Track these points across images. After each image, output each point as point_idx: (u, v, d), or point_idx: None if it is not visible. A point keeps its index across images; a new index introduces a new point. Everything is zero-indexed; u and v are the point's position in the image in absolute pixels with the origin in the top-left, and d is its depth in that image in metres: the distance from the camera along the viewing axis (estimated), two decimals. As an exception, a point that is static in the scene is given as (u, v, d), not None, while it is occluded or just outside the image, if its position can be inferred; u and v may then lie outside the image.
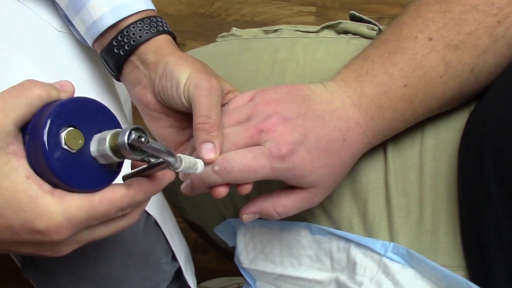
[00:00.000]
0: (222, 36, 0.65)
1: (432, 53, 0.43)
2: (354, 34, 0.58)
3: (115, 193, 0.34)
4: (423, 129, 0.49)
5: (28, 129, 0.32)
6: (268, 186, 0.50)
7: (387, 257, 0.45)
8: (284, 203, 0.44)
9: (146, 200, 0.37)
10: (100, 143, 0.33)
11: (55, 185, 0.32)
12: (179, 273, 0.61)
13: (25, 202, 0.31)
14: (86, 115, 0.34)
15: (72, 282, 0.55)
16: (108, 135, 0.33)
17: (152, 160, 0.34)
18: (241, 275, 1.14)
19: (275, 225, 0.53)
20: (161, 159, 0.34)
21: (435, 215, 0.46)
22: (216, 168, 0.41)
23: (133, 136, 0.31)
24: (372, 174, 0.49)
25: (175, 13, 1.43)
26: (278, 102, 0.43)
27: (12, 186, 0.31)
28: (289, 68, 0.57)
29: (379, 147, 0.49)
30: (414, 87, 0.43)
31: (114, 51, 0.47)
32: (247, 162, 0.41)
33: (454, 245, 0.44)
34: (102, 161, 0.34)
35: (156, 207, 0.56)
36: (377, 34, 0.57)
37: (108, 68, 0.50)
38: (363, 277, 0.46)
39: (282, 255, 0.53)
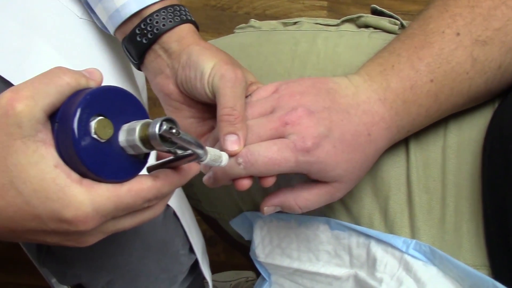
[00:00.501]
0: (241, 28, 0.65)
1: (459, 48, 0.42)
2: (375, 28, 0.57)
3: (142, 184, 0.33)
4: (446, 125, 0.48)
5: (57, 117, 0.32)
6: (287, 181, 0.49)
7: (409, 254, 0.44)
8: (306, 197, 0.43)
9: (171, 192, 0.37)
10: (130, 133, 0.32)
11: (83, 175, 0.32)
12: (194, 266, 0.61)
13: (53, 191, 0.31)
14: (116, 104, 0.33)
15: (90, 272, 0.55)
16: (138, 125, 0.32)
17: (179, 151, 0.34)
18: (249, 269, 1.14)
19: (293, 219, 0.53)
20: (189, 151, 0.33)
21: (458, 213, 0.45)
22: (240, 160, 0.40)
23: (164, 127, 0.31)
24: (393, 170, 0.49)
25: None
26: (303, 94, 0.42)
27: (40, 174, 0.31)
28: (310, 61, 0.56)
29: (401, 143, 0.48)
30: (440, 82, 0.43)
31: (137, 39, 0.47)
32: (271, 155, 0.40)
33: (477, 244, 0.44)
34: (130, 151, 0.33)
35: (175, 198, 0.56)
36: (399, 29, 0.56)
37: (130, 56, 0.49)
38: (383, 274, 0.45)
39: (300, 250, 0.53)
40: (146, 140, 0.32)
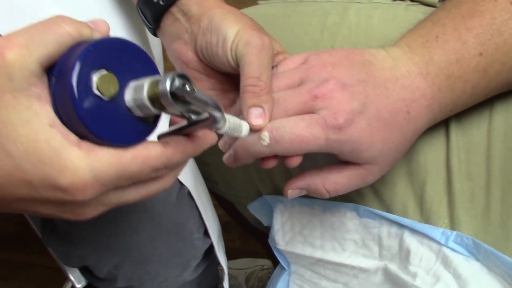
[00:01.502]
0: (265, -2, 0.61)
1: None
2: (412, 0, 0.53)
3: (150, 151, 0.29)
4: (492, 106, 0.43)
5: (55, 70, 0.28)
6: (313, 162, 0.45)
7: (448, 247, 0.40)
8: (335, 180, 0.39)
9: (183, 163, 0.33)
10: (137, 91, 0.28)
11: (82, 137, 0.28)
12: (208, 251, 0.57)
13: (47, 154, 0.27)
14: (122, 58, 0.29)
15: (96, 253, 0.51)
16: (146, 82, 0.28)
17: (194, 117, 0.30)
18: (265, 257, 1.11)
19: (317, 205, 0.48)
20: (204, 115, 0.29)
21: (505, 203, 0.40)
22: (265, 136, 0.36)
23: (176, 83, 0.27)
24: (432, 154, 0.44)
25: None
26: (335, 66, 0.38)
27: (33, 134, 0.27)
28: (340, 34, 0.51)
29: (441, 124, 0.44)
30: (490, 56, 0.38)
31: (153, 1, 0.43)
32: (299, 132, 0.36)
33: (527, 238, 0.39)
34: (137, 112, 0.29)
35: (190, 177, 0.52)
36: (440, 1, 0.51)
37: (145, 20, 0.45)
38: (418, 268, 0.41)
39: (323, 238, 0.49)
40: (156, 99, 0.28)
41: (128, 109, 0.29)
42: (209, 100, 0.29)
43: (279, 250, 0.53)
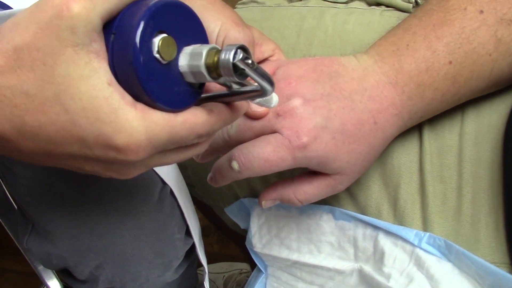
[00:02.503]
0: (243, 3, 0.61)
1: (482, 27, 0.38)
2: (387, 6, 0.53)
3: (197, 118, 0.29)
4: (463, 111, 0.44)
5: (113, 27, 0.27)
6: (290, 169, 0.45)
7: (421, 248, 0.41)
8: (306, 190, 0.41)
9: (220, 129, 0.33)
10: (194, 58, 0.28)
11: (136, 98, 0.28)
12: (189, 252, 0.57)
13: (105, 112, 0.26)
14: (178, 22, 0.29)
15: (77, 254, 0.51)
16: (204, 49, 0.28)
17: (235, 86, 0.30)
18: (243, 261, 1.10)
19: (294, 208, 0.49)
20: (250, 87, 0.30)
21: (476, 204, 0.41)
22: (235, 165, 0.38)
23: (240, 55, 0.27)
24: (405, 157, 0.45)
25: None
26: (300, 80, 0.39)
27: (92, 91, 0.26)
28: (316, 38, 0.52)
29: (414, 127, 0.44)
30: (460, 64, 0.39)
31: None
32: (266, 157, 0.37)
33: (497, 239, 0.40)
34: (189, 78, 0.29)
35: (173, 176, 0.52)
36: (414, 7, 0.52)
37: None
38: (391, 269, 0.41)
39: (300, 241, 0.49)
40: (213, 68, 0.28)
41: (180, 74, 0.29)
42: (266, 74, 0.29)
43: (256, 253, 0.53)
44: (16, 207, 0.59)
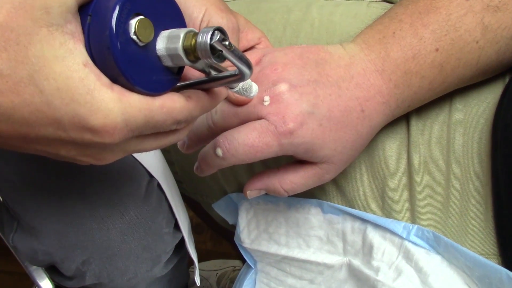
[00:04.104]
0: (229, -4, 0.60)
1: (469, 14, 0.38)
2: (374, -3, 0.53)
3: (175, 103, 0.29)
4: (451, 101, 0.44)
5: (90, 10, 0.27)
6: (276, 159, 0.45)
7: (410, 241, 0.40)
8: (292, 180, 0.40)
9: (198, 117, 0.33)
10: (171, 41, 0.28)
11: (113, 81, 0.28)
12: (179, 247, 0.56)
13: (80, 93, 0.26)
14: (157, 7, 0.29)
15: (63, 250, 0.50)
16: (181, 33, 0.28)
17: (214, 73, 0.31)
18: (236, 258, 1.10)
19: (282, 202, 0.48)
20: (226, 72, 0.30)
21: (464, 196, 0.41)
22: (219, 152, 0.37)
23: (217, 37, 0.27)
24: (392, 149, 0.44)
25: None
26: (286, 66, 0.38)
27: (67, 72, 0.26)
28: (303, 30, 0.51)
29: (402, 118, 0.44)
30: (446, 51, 0.38)
31: None
32: (251, 143, 0.36)
33: (486, 230, 0.39)
34: (167, 62, 0.29)
35: (160, 170, 0.51)
36: (400, -2, 0.52)
37: None
38: (380, 262, 0.41)
39: (288, 235, 0.48)
40: (191, 50, 0.28)
41: (158, 58, 0.29)
42: (244, 56, 0.29)
43: (245, 249, 0.52)
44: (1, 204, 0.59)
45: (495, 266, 0.34)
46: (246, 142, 0.36)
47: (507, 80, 0.43)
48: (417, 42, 0.38)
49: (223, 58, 0.28)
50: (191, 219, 0.64)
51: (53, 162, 0.49)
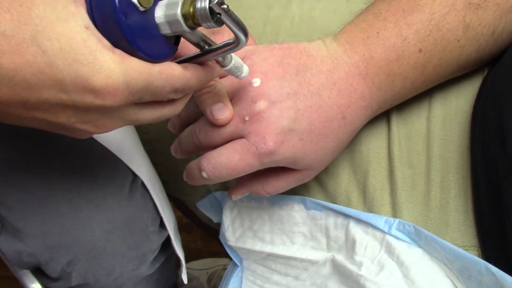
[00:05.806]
0: (210, -6, 0.60)
1: (451, 12, 0.38)
2: (354, -8, 0.53)
3: (173, 70, 0.30)
4: (430, 95, 0.44)
5: None
6: None
7: (391, 235, 0.40)
8: (274, 184, 0.41)
9: (195, 89, 0.33)
10: (170, 8, 0.29)
11: (114, 45, 0.28)
12: (166, 245, 0.56)
13: (83, 53, 0.26)
14: None
15: (47, 251, 0.50)
16: (180, 0, 0.29)
17: (207, 47, 0.32)
18: (227, 256, 1.10)
19: (265, 200, 0.48)
20: (220, 43, 0.31)
21: (444, 188, 0.41)
22: (205, 175, 0.38)
23: (215, 0, 0.28)
24: (373, 143, 0.44)
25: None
26: (266, 78, 0.38)
27: (69, 33, 0.26)
28: (283, 27, 0.51)
29: (382, 114, 0.44)
30: (429, 52, 0.38)
31: None
32: (234, 165, 0.37)
33: (466, 222, 0.40)
34: (166, 30, 0.30)
35: (144, 168, 0.51)
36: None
37: None
38: (363, 257, 0.41)
39: (273, 232, 0.48)
40: (190, 16, 0.29)
41: (157, 26, 0.30)
42: (240, 21, 0.30)
43: (230, 247, 0.52)
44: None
45: (474, 258, 0.34)
46: (229, 165, 0.37)
47: (486, 72, 0.44)
48: (401, 43, 0.38)
49: (220, 23, 0.29)
50: (180, 219, 0.64)
51: (37, 162, 0.48)
